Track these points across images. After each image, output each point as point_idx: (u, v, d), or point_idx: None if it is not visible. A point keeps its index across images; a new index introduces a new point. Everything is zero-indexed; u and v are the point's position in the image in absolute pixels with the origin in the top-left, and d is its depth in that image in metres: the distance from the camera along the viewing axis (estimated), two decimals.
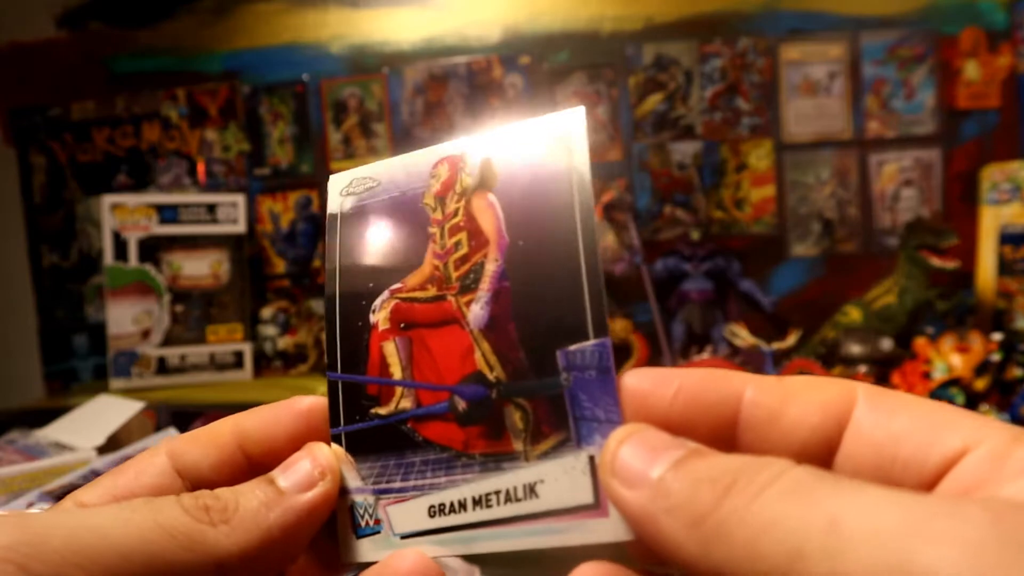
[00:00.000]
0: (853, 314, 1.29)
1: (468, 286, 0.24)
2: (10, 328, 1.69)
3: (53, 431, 0.92)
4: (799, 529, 0.15)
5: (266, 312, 1.54)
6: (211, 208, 1.47)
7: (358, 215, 0.27)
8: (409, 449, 0.24)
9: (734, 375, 0.22)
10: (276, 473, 0.23)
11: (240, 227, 1.49)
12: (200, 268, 1.47)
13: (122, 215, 1.42)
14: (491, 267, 0.24)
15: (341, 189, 0.28)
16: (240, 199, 1.49)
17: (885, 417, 0.20)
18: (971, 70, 1.36)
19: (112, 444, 0.89)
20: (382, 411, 0.25)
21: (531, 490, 0.22)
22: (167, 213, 1.45)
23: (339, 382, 0.25)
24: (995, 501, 0.15)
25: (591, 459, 0.21)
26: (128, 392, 1.26)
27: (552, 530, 0.22)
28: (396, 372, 0.25)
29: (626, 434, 0.20)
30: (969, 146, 1.37)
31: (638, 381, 0.22)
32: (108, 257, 1.41)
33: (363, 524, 0.24)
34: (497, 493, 0.22)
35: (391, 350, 0.25)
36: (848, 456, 0.20)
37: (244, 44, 1.58)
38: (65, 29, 1.64)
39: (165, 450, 0.24)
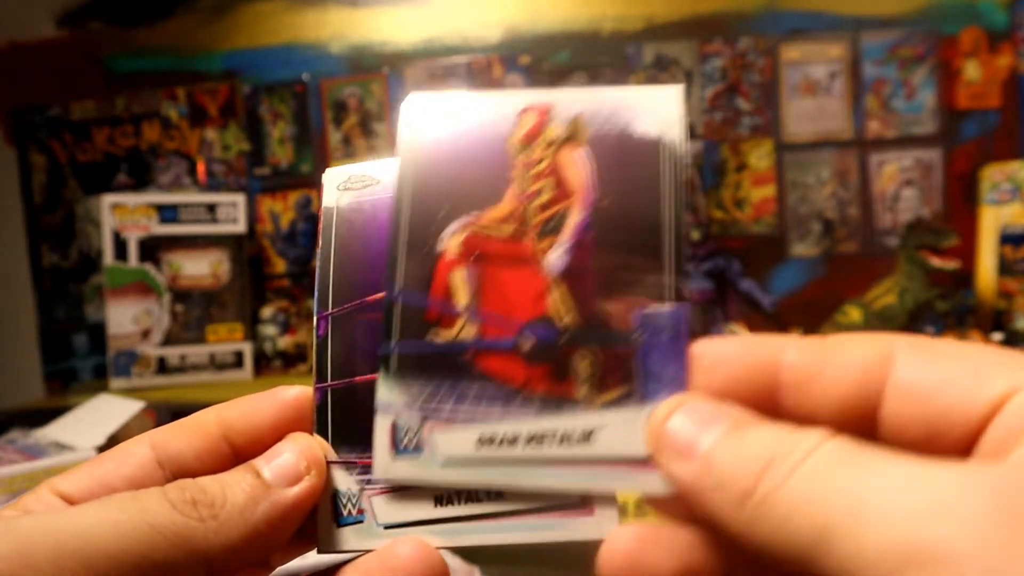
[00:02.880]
0: (853, 314, 1.29)
1: (548, 232, 0.25)
2: (10, 328, 1.69)
3: (53, 431, 0.92)
4: (825, 509, 0.16)
5: (266, 312, 1.53)
6: (211, 208, 1.47)
7: (432, 147, 0.26)
8: (465, 379, 0.24)
9: (773, 339, 0.22)
10: (260, 462, 0.23)
11: (240, 227, 1.49)
12: (200, 268, 1.47)
13: (122, 215, 1.42)
14: (575, 218, 0.24)
15: (417, 114, 0.27)
16: (240, 199, 1.49)
17: (926, 367, 0.19)
18: (971, 70, 1.36)
19: (112, 444, 0.88)
20: (441, 337, 0.25)
21: (587, 436, 0.23)
22: (167, 213, 1.45)
23: (397, 301, 0.25)
24: (1006, 473, 0.16)
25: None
26: (128, 392, 1.26)
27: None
28: (462, 302, 0.25)
29: (674, 405, 0.21)
30: (969, 146, 1.37)
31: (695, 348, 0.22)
32: (108, 257, 1.41)
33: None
34: (554, 434, 0.23)
35: (459, 279, 0.25)
36: (892, 412, 0.20)
37: (244, 43, 1.58)
38: (65, 29, 1.64)
39: (147, 440, 0.24)
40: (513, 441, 0.23)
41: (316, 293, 0.26)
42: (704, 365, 0.22)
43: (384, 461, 0.24)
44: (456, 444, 0.23)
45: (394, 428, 0.24)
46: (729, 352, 0.22)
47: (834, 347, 0.21)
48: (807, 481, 0.17)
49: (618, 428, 0.22)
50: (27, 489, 0.74)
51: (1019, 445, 0.17)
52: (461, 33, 1.51)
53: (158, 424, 0.25)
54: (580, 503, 0.22)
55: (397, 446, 0.24)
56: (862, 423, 0.20)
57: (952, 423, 0.19)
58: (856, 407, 0.20)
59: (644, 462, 0.22)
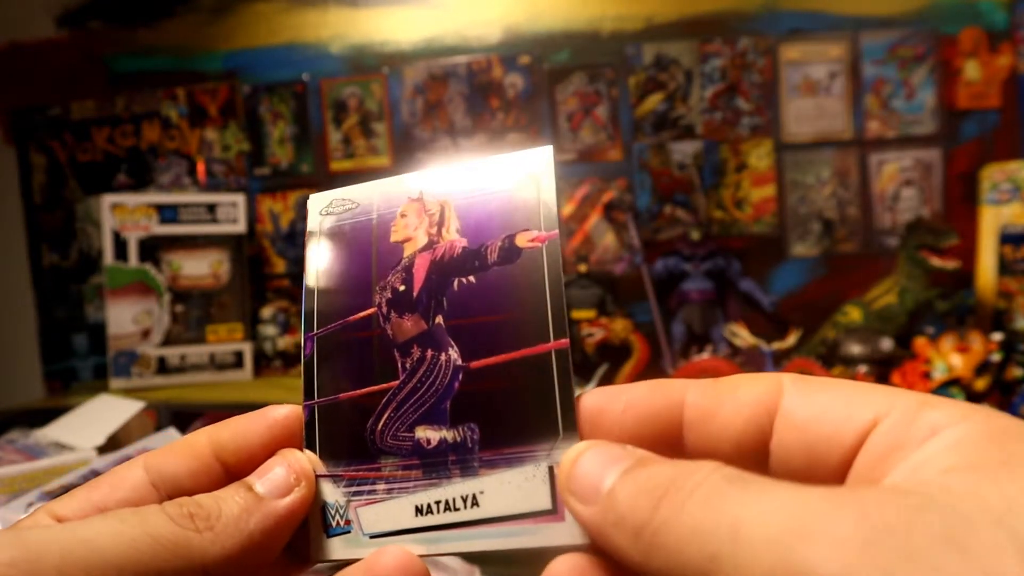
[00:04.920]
0: (853, 314, 1.29)
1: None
2: (10, 328, 1.69)
3: (53, 431, 0.92)
4: (712, 536, 0.17)
5: (266, 312, 1.53)
6: (211, 208, 1.47)
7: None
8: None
9: (676, 383, 0.23)
10: (252, 479, 0.24)
11: (240, 227, 1.49)
12: (200, 268, 1.47)
13: (122, 215, 1.42)
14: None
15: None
16: (240, 199, 1.49)
17: (807, 400, 0.21)
18: (971, 70, 1.36)
19: (112, 444, 0.89)
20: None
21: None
22: (167, 213, 1.45)
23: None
24: (868, 494, 0.16)
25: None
26: (128, 392, 1.26)
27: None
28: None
29: (578, 451, 0.22)
30: (969, 146, 1.37)
31: (592, 400, 0.24)
32: (108, 257, 1.41)
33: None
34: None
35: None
36: (780, 442, 0.21)
37: (244, 43, 1.58)
38: (65, 28, 1.64)
39: (141, 463, 0.25)
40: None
41: (303, 315, 0.28)
42: (614, 410, 0.23)
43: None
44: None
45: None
46: (636, 396, 0.23)
47: (729, 386, 0.23)
48: (696, 511, 0.18)
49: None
50: (27, 489, 0.74)
51: (889, 472, 0.18)
52: (461, 33, 1.51)
53: (158, 424, 0.26)
54: (552, 510, 0.23)
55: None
56: (756, 455, 0.22)
57: (829, 451, 0.20)
58: (750, 440, 0.22)
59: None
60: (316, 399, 0.26)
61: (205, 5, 1.59)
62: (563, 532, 0.23)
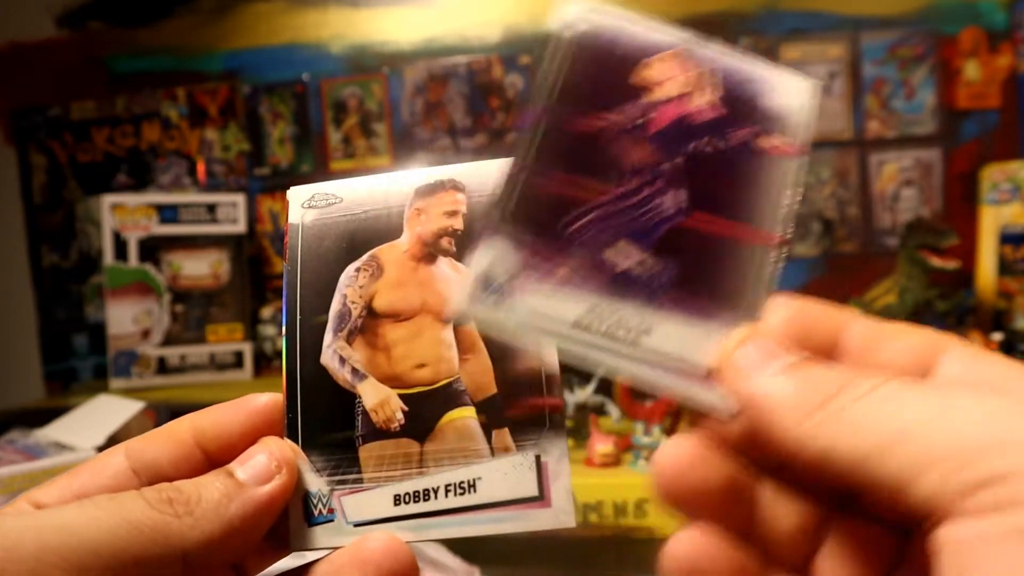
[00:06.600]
0: None
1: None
2: (10, 328, 1.69)
3: (53, 431, 0.92)
4: (895, 419, 0.18)
5: (266, 312, 1.54)
6: (211, 208, 1.47)
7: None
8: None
9: (843, 312, 0.24)
10: (234, 466, 0.24)
11: (240, 227, 1.49)
12: (200, 268, 1.47)
13: (122, 215, 1.42)
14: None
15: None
16: (240, 199, 1.49)
17: (968, 372, 0.21)
18: (971, 70, 1.36)
19: (112, 444, 0.88)
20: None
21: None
22: (167, 213, 1.45)
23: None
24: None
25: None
26: (128, 392, 1.26)
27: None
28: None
29: (747, 335, 0.22)
30: (969, 146, 1.37)
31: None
32: (108, 257, 1.41)
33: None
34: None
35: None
36: None
37: (244, 44, 1.58)
38: (65, 29, 1.64)
39: (123, 449, 0.25)
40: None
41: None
42: (775, 319, 0.23)
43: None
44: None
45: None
46: (800, 311, 0.23)
47: (893, 331, 0.23)
48: (877, 401, 0.19)
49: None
50: (27, 489, 0.74)
51: None
52: (461, 33, 1.51)
53: (158, 424, 0.26)
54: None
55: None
56: None
57: None
58: None
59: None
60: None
61: (205, 5, 1.59)
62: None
